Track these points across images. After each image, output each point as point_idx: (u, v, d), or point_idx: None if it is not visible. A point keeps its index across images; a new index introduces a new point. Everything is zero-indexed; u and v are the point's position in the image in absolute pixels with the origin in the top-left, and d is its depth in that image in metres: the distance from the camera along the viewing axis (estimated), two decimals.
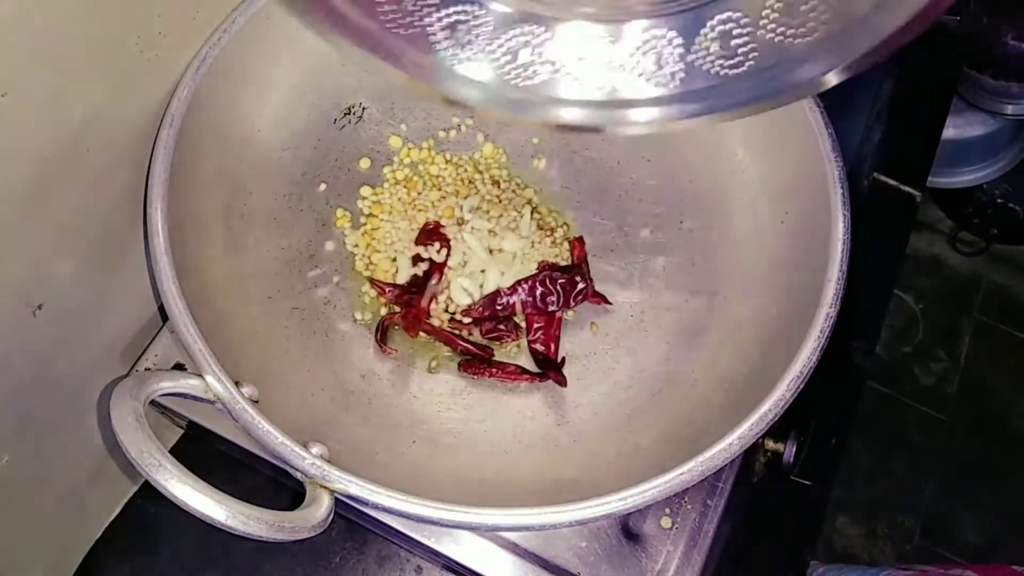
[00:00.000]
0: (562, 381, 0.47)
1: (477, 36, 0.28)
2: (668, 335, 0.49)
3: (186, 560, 0.50)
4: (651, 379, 0.47)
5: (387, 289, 0.49)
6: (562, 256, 0.52)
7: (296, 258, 0.49)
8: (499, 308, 0.49)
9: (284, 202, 0.50)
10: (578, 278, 0.49)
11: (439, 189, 0.53)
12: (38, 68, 0.33)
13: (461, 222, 0.52)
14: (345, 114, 0.53)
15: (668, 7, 0.28)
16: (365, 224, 0.52)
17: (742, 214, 0.50)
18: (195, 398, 0.38)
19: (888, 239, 0.57)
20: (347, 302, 0.49)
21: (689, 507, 0.45)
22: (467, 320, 0.50)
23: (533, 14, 0.29)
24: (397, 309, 0.49)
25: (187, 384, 0.38)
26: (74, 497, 0.47)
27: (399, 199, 0.52)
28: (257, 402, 0.39)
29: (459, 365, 0.48)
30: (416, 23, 0.28)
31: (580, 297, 0.49)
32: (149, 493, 0.52)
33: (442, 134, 0.55)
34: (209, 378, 0.37)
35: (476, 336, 0.49)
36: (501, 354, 0.49)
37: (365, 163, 0.53)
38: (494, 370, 0.47)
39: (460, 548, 0.44)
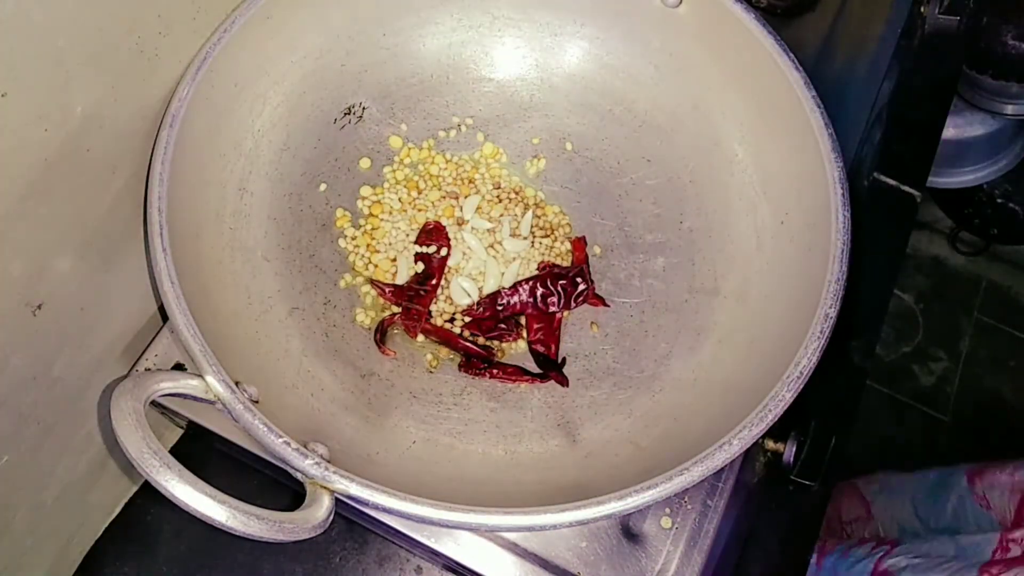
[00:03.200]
0: (564, 381, 0.47)
1: None
2: (668, 335, 0.49)
3: (186, 560, 0.50)
4: (651, 379, 0.47)
5: (387, 290, 0.49)
6: (562, 256, 0.52)
7: (296, 258, 0.49)
8: (500, 308, 0.49)
9: (284, 202, 0.50)
10: (579, 279, 0.49)
11: (439, 189, 0.53)
12: (38, 68, 0.33)
13: (461, 222, 0.52)
14: (345, 114, 0.53)
15: None
16: (365, 224, 0.52)
17: (742, 214, 0.50)
18: (195, 398, 0.38)
19: (888, 239, 0.57)
20: (347, 302, 0.49)
21: (689, 507, 0.45)
22: (467, 320, 0.50)
23: None
24: (397, 309, 0.49)
25: (187, 384, 0.37)
26: (74, 497, 0.47)
27: (399, 199, 0.52)
28: (257, 402, 0.39)
29: (459, 365, 0.48)
30: None
31: (581, 298, 0.49)
32: (149, 493, 0.52)
33: (442, 134, 0.55)
34: (209, 378, 0.37)
35: (476, 336, 0.49)
36: (501, 354, 0.49)
37: (365, 163, 0.53)
38: (494, 371, 0.47)
39: (460, 548, 0.44)
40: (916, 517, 0.77)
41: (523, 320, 0.50)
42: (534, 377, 0.48)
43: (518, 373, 0.48)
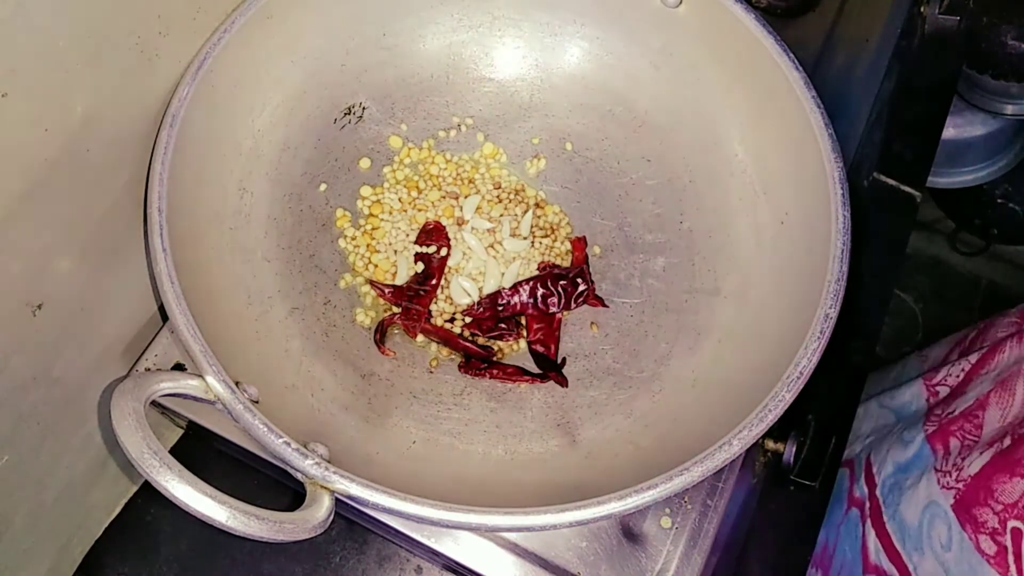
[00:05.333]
0: (563, 382, 0.47)
1: None
2: (668, 335, 0.49)
3: (186, 560, 0.50)
4: (651, 379, 0.47)
5: (386, 290, 0.49)
6: (562, 256, 0.52)
7: (296, 258, 0.49)
8: (500, 308, 0.49)
9: (284, 202, 0.50)
10: (579, 280, 0.49)
11: (439, 189, 0.53)
12: (38, 68, 0.33)
13: (461, 222, 0.52)
14: (345, 114, 0.53)
15: None
16: (365, 224, 0.52)
17: (742, 214, 0.50)
18: (195, 398, 0.38)
19: (888, 239, 0.57)
20: (347, 302, 0.49)
21: (689, 507, 0.45)
22: (467, 320, 0.50)
23: None
24: (397, 309, 0.49)
25: (187, 384, 0.37)
26: (74, 497, 0.47)
27: (399, 199, 0.52)
28: (257, 402, 0.39)
29: (459, 365, 0.48)
30: None
31: (581, 299, 0.49)
32: (149, 493, 0.52)
33: (442, 134, 0.55)
34: (209, 378, 0.37)
35: (477, 336, 0.49)
36: (501, 354, 0.49)
37: (365, 163, 0.53)
38: (494, 371, 0.47)
39: (460, 548, 0.44)
40: (882, 409, 0.76)
41: (523, 320, 0.50)
42: (534, 377, 0.48)
43: (518, 373, 0.48)
